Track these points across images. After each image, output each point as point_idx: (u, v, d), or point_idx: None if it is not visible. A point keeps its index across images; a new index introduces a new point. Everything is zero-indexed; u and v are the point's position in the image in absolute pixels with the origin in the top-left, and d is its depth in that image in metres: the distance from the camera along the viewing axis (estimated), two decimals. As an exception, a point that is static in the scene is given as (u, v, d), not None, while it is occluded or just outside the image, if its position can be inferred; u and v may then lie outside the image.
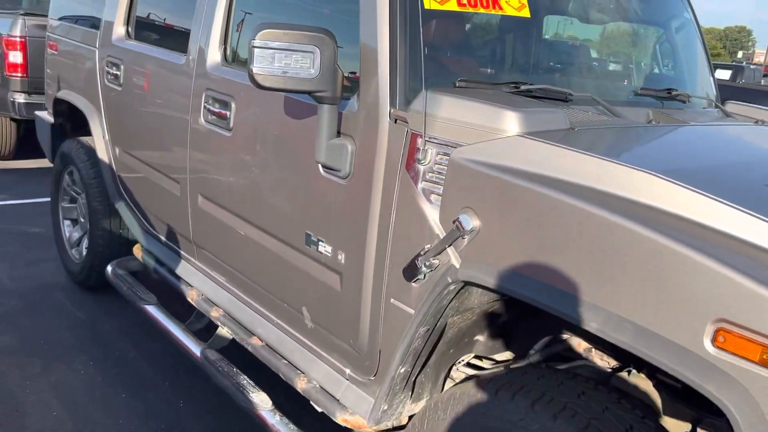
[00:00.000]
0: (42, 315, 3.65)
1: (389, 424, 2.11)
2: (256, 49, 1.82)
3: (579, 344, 2.11)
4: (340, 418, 2.14)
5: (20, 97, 6.28)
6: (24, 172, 6.62)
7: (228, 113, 2.49)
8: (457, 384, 1.96)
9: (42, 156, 6.69)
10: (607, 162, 1.53)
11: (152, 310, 3.06)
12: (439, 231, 1.76)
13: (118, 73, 3.32)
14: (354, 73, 2.04)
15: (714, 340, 1.25)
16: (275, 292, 2.44)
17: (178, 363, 3.26)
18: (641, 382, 1.92)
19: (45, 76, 4.31)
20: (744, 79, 17.72)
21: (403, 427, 2.10)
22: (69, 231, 4.11)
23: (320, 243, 2.14)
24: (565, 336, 2.13)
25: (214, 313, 2.77)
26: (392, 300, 1.93)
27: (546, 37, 2.54)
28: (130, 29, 3.38)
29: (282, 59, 1.83)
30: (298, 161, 2.20)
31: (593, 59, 2.71)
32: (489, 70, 2.34)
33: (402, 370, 1.92)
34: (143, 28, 3.36)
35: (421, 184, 1.82)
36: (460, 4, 2.02)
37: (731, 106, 2.73)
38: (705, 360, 1.26)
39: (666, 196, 1.42)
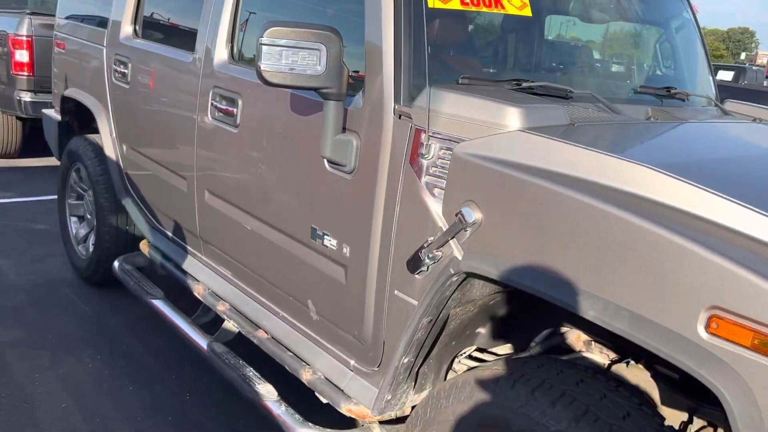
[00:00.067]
0: (49, 309, 3.71)
1: (393, 414, 2.16)
2: (264, 47, 1.86)
3: (579, 337, 2.15)
4: (345, 408, 2.19)
5: (26, 96, 6.33)
6: (29, 171, 6.68)
7: (235, 110, 2.54)
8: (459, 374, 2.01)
9: (47, 154, 6.79)
10: (605, 156, 1.58)
11: (159, 304, 3.11)
12: (442, 224, 1.81)
13: (126, 71, 3.37)
14: (357, 72, 2.08)
15: (707, 327, 1.30)
16: (281, 286, 2.48)
17: (183, 357, 3.31)
18: (639, 372, 1.97)
19: (52, 75, 4.36)
20: (746, 80, 17.75)
21: (406, 417, 2.14)
22: (75, 227, 4.17)
23: (325, 236, 2.19)
24: (564, 329, 2.17)
25: (221, 307, 2.82)
26: (396, 292, 1.97)
27: (547, 36, 2.59)
28: (137, 28, 3.43)
29: (289, 56, 1.88)
30: (304, 156, 2.24)
31: (594, 58, 2.76)
32: (491, 68, 2.39)
33: (405, 361, 1.96)
34: (150, 27, 3.41)
35: (424, 178, 1.87)
36: (463, 3, 2.07)
37: (730, 105, 2.77)
38: (698, 346, 1.31)
39: (662, 188, 1.47)
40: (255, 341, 2.61)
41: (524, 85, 2.03)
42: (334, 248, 2.16)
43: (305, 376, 2.34)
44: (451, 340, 2.08)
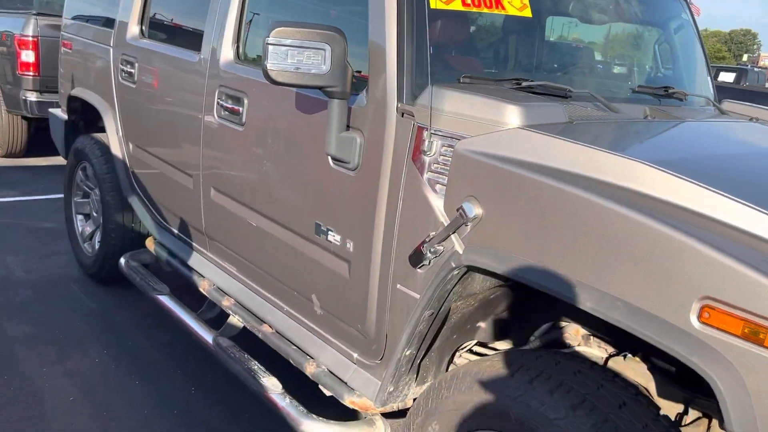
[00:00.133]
0: (56, 306, 3.76)
1: (395, 406, 2.21)
2: (270, 46, 1.91)
3: (577, 331, 2.20)
4: (348, 401, 2.24)
5: (32, 96, 6.40)
6: (35, 170, 6.74)
7: (240, 109, 2.59)
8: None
9: (52, 153, 6.87)
10: (602, 152, 1.63)
11: (165, 300, 3.16)
12: (444, 219, 1.86)
13: (133, 71, 3.43)
14: (359, 72, 2.13)
15: (700, 317, 1.35)
16: (285, 281, 2.53)
17: (188, 352, 3.36)
18: (636, 365, 2.02)
19: (59, 75, 4.41)
20: (748, 81, 17.80)
21: (408, 410, 2.19)
22: (82, 225, 4.22)
23: (329, 232, 2.23)
24: (563, 323, 2.22)
25: (226, 303, 2.87)
26: (398, 285, 2.02)
27: (547, 36, 2.64)
28: (144, 28, 3.49)
29: (295, 56, 1.93)
30: (308, 154, 2.29)
31: (593, 58, 2.81)
32: (492, 68, 2.43)
33: (407, 353, 2.01)
34: (157, 28, 3.46)
35: (426, 175, 1.91)
36: (464, 3, 2.12)
37: (727, 105, 2.81)
38: (691, 335, 1.35)
39: (656, 184, 1.52)
40: (260, 336, 2.66)
41: (524, 84, 2.08)
42: (338, 243, 2.21)
43: (309, 369, 2.39)
44: (452, 333, 2.12)
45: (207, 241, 3.05)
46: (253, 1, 2.72)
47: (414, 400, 2.16)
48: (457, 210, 1.79)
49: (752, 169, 1.83)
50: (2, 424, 2.69)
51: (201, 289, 3.05)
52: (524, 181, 1.67)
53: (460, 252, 1.80)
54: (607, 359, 2.08)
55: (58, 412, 2.81)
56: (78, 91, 4.06)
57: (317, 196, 2.29)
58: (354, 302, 2.19)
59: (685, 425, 1.88)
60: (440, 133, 1.89)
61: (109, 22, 3.73)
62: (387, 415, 2.32)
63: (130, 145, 3.59)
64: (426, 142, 1.90)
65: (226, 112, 2.68)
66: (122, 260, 3.61)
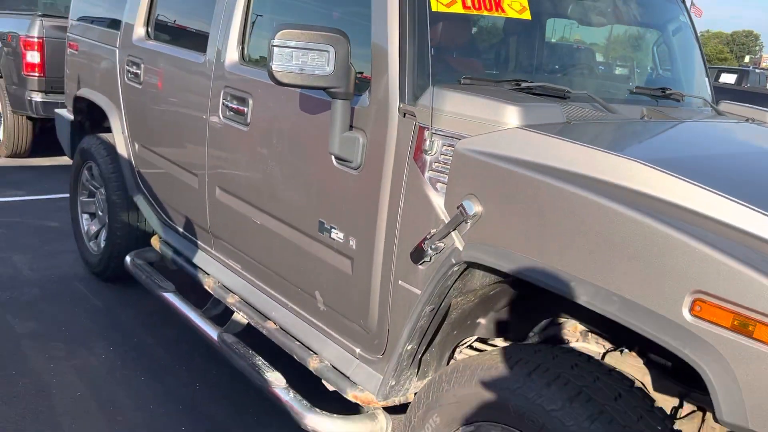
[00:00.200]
0: (62, 303, 3.81)
1: (397, 400, 2.25)
2: (275, 48, 1.96)
3: (575, 327, 2.25)
4: (351, 395, 2.28)
5: (37, 96, 6.46)
6: (40, 169, 6.80)
7: (245, 109, 2.64)
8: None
9: (56, 154, 6.93)
10: (598, 152, 1.67)
11: (170, 297, 3.21)
12: (445, 216, 1.91)
13: (139, 71, 3.48)
14: (361, 73, 2.18)
15: (691, 310, 1.39)
16: (289, 278, 2.58)
17: (193, 349, 3.41)
18: (633, 360, 2.06)
19: (65, 76, 4.47)
20: (749, 83, 17.82)
21: (409, 404, 2.24)
22: (87, 224, 4.27)
23: (333, 230, 2.28)
24: (562, 320, 2.27)
25: (230, 300, 2.92)
26: (400, 282, 2.07)
27: (546, 38, 2.68)
28: (150, 30, 3.54)
29: (299, 57, 1.98)
30: (312, 153, 2.34)
31: (592, 60, 2.85)
32: (492, 69, 2.48)
33: (409, 347, 2.06)
34: (162, 30, 3.52)
35: (427, 173, 1.96)
36: (465, 6, 2.17)
37: (725, 106, 2.86)
38: (683, 328, 1.40)
39: (651, 181, 1.56)
40: (264, 332, 2.71)
41: (523, 85, 2.13)
42: (341, 241, 2.26)
43: (313, 364, 2.44)
44: (452, 329, 2.17)
45: (212, 240, 3.10)
46: (258, 4, 2.78)
47: (415, 394, 2.21)
48: (458, 208, 1.84)
49: (746, 168, 1.88)
50: (12, 418, 2.74)
51: (206, 287, 3.10)
52: (523, 179, 1.72)
53: (461, 249, 1.85)
54: (604, 354, 2.12)
55: (65, 407, 2.86)
56: (84, 92, 4.12)
57: (321, 195, 2.33)
58: (357, 298, 2.24)
59: (680, 418, 1.93)
60: (441, 133, 1.94)
61: (115, 24, 3.78)
62: (389, 410, 2.36)
63: (136, 145, 3.64)
64: (427, 142, 1.95)
65: (231, 113, 2.73)
66: (128, 258, 3.66)
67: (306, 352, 2.49)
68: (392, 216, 2.06)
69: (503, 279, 2.00)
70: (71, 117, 4.40)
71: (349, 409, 2.40)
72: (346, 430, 2.30)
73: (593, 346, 2.19)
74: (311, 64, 1.98)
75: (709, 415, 1.91)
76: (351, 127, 2.14)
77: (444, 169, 1.92)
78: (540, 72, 2.59)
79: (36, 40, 6.35)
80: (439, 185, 1.94)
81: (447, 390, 1.90)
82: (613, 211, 1.53)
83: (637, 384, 1.83)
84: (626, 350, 2.08)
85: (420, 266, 1.98)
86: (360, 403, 2.29)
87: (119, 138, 3.74)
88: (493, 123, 1.85)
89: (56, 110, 4.76)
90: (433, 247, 1.91)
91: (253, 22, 2.81)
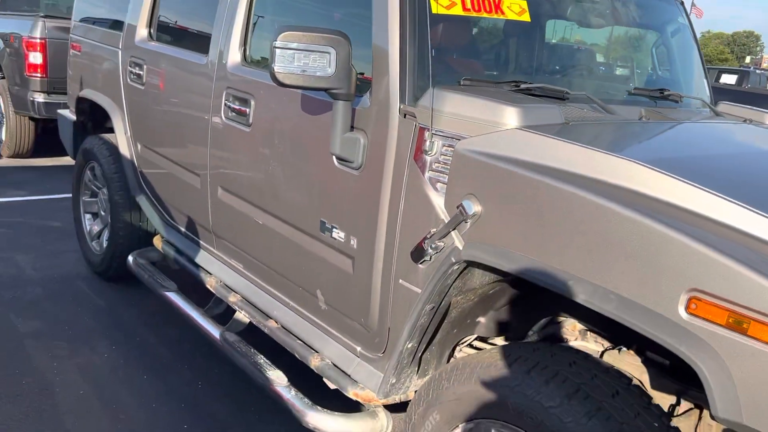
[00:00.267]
0: (65, 303, 3.84)
1: (397, 398, 2.28)
2: (277, 50, 1.99)
3: (574, 326, 2.27)
4: (352, 393, 2.31)
5: (39, 97, 6.49)
6: (42, 170, 6.83)
7: (247, 110, 2.66)
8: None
9: (58, 154, 6.97)
10: (596, 152, 1.70)
11: (173, 296, 3.24)
12: (444, 216, 1.93)
13: (141, 72, 3.50)
14: (362, 74, 2.20)
15: (687, 308, 1.42)
16: (291, 277, 2.61)
17: (195, 348, 3.43)
18: (631, 358, 2.08)
19: (68, 76, 4.49)
20: (750, 83, 17.83)
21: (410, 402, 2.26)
22: (90, 224, 4.30)
23: (334, 229, 2.31)
24: (561, 318, 2.29)
25: (232, 299, 2.94)
26: (401, 281, 2.09)
27: (546, 40, 2.71)
28: (152, 31, 3.57)
29: (301, 59, 2.00)
30: (313, 154, 2.37)
31: (591, 61, 2.87)
32: (492, 70, 2.51)
33: (409, 346, 2.08)
34: (165, 31, 3.54)
35: (427, 174, 1.99)
36: (465, 9, 2.19)
37: (723, 107, 2.88)
38: (679, 325, 1.42)
39: (647, 181, 1.59)
40: (266, 331, 2.73)
41: (522, 86, 2.15)
42: (342, 240, 2.28)
43: (314, 362, 2.46)
44: (452, 328, 2.19)
45: (214, 239, 3.12)
46: (260, 5, 2.80)
47: (415, 392, 2.23)
48: (457, 207, 1.86)
49: (742, 168, 1.90)
50: (16, 417, 2.76)
51: (208, 286, 3.13)
52: (521, 179, 1.74)
53: (460, 248, 1.87)
54: (603, 353, 2.14)
55: (68, 406, 2.88)
56: (87, 93, 4.14)
57: (322, 195, 2.36)
58: (357, 297, 2.26)
59: (678, 416, 1.95)
60: (441, 134, 1.96)
61: (117, 25, 3.81)
62: (390, 408, 2.39)
63: (138, 146, 3.66)
64: (427, 142, 1.98)
65: (234, 113, 2.75)
66: (130, 258, 3.69)
67: (307, 351, 2.52)
68: (393, 216, 2.08)
69: (502, 278, 2.02)
70: (74, 117, 4.43)
71: (350, 407, 2.42)
72: (347, 427, 2.32)
73: (592, 344, 2.21)
74: (313, 65, 2.01)
75: (705, 412, 1.93)
76: (352, 127, 2.16)
77: (444, 169, 1.94)
78: (539, 73, 2.62)
79: (38, 41, 6.38)
80: (439, 185, 1.96)
81: (447, 388, 1.92)
82: (610, 210, 1.55)
83: (635, 382, 1.85)
84: (624, 349, 2.11)
85: (420, 265, 2.01)
86: (361, 401, 2.31)
87: (122, 138, 3.77)
88: (492, 124, 1.87)
89: (59, 111, 4.79)
90: (433, 246, 1.94)
91: (255, 23, 2.83)
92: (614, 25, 2.98)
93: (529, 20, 2.36)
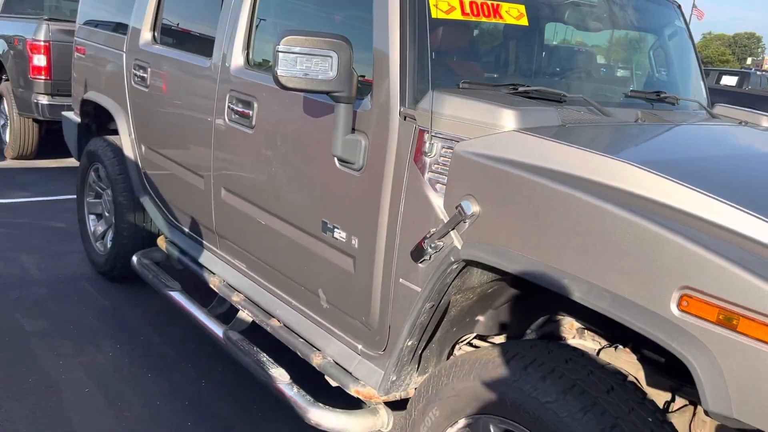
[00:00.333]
0: (70, 302, 3.89)
1: (398, 395, 2.32)
2: (280, 54, 2.03)
3: (572, 325, 2.31)
4: (353, 390, 2.35)
5: (43, 99, 6.54)
6: (46, 171, 6.88)
7: (251, 112, 2.71)
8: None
9: (61, 156, 7.02)
10: (591, 153, 1.74)
11: (176, 295, 3.28)
12: (444, 216, 1.97)
13: (145, 75, 3.55)
14: (363, 77, 2.25)
15: (679, 305, 1.45)
16: (293, 276, 2.65)
17: (199, 348, 3.48)
18: (627, 356, 2.12)
19: (72, 79, 4.54)
20: (750, 85, 17.86)
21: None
22: (94, 225, 4.35)
23: (335, 229, 2.35)
24: (559, 317, 2.33)
25: (235, 298, 2.99)
26: (401, 280, 2.13)
27: (544, 43, 2.75)
28: (156, 35, 3.61)
29: (303, 62, 2.05)
30: (315, 155, 2.41)
31: (588, 64, 2.92)
32: (490, 73, 2.55)
33: (409, 343, 2.12)
34: (169, 34, 3.59)
35: (427, 175, 2.03)
36: (464, 13, 2.24)
37: (719, 109, 2.92)
38: (671, 322, 1.46)
39: (641, 182, 1.63)
40: (268, 329, 2.78)
41: (520, 89, 2.19)
42: (344, 240, 2.32)
43: (316, 360, 2.50)
44: (452, 326, 2.24)
45: (217, 240, 3.17)
46: (263, 9, 2.85)
47: (416, 389, 2.27)
48: (456, 208, 1.90)
49: (735, 169, 1.94)
50: (23, 414, 2.81)
51: (211, 286, 3.17)
52: (519, 180, 1.78)
53: (459, 247, 1.91)
54: (599, 351, 2.18)
55: (74, 403, 2.93)
56: (91, 95, 4.19)
57: (324, 196, 2.40)
58: (359, 296, 2.30)
59: (673, 412, 1.99)
60: (440, 136, 2.00)
61: (121, 28, 3.86)
62: (391, 406, 2.43)
63: (143, 147, 3.71)
64: (427, 144, 2.02)
65: (237, 116, 2.80)
66: (134, 258, 3.73)
67: (309, 349, 2.56)
68: (393, 216, 2.12)
69: (501, 277, 2.06)
70: (78, 119, 4.47)
71: (351, 404, 2.46)
72: (349, 424, 2.36)
73: (589, 342, 2.25)
74: (315, 69, 2.05)
75: (700, 408, 1.97)
76: (353, 129, 2.20)
77: (443, 170, 1.99)
78: (537, 76, 2.66)
79: (42, 43, 6.43)
80: (438, 186, 2.00)
81: (446, 384, 1.96)
82: (605, 211, 1.59)
83: (630, 379, 1.89)
84: (620, 347, 2.15)
85: (420, 264, 2.05)
86: (362, 398, 2.36)
87: (126, 140, 3.82)
88: (490, 126, 1.92)
89: (63, 113, 4.84)
90: (432, 245, 1.98)
91: (257, 26, 2.88)
92: (612, 29, 3.03)
93: (527, 24, 2.40)
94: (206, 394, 3.12)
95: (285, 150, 2.56)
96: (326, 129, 2.28)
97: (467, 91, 2.13)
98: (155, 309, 3.87)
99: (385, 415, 2.40)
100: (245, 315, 2.96)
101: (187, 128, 3.22)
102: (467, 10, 2.25)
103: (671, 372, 1.99)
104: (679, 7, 3.19)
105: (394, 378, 2.22)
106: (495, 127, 1.91)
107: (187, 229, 3.46)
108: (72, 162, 6.49)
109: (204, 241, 3.31)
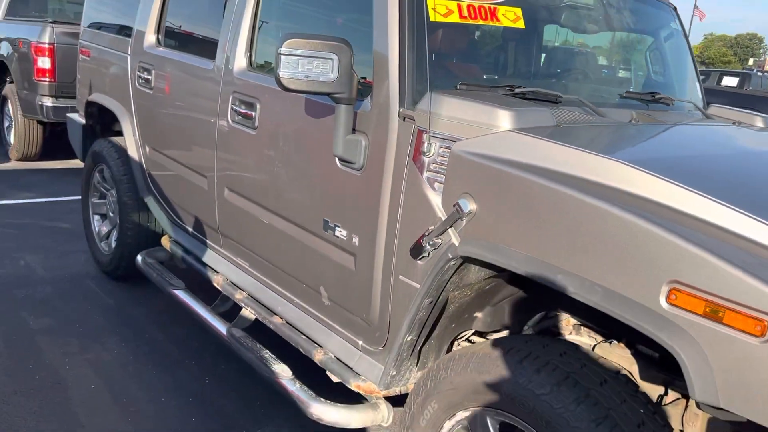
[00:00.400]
0: (75, 301, 3.94)
1: (398, 390, 2.37)
2: (282, 56, 2.08)
3: (568, 321, 2.36)
4: (354, 385, 2.40)
5: (48, 101, 6.61)
6: (50, 172, 6.94)
7: (253, 113, 2.76)
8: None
9: (65, 157, 7.09)
10: (584, 153, 1.79)
11: (181, 294, 3.33)
12: (442, 214, 2.03)
13: (149, 77, 3.61)
14: (364, 78, 2.30)
15: (668, 298, 1.51)
16: (295, 274, 2.70)
17: (203, 346, 3.53)
18: (621, 350, 2.17)
19: (77, 81, 4.60)
20: (751, 86, 17.89)
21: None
22: (98, 225, 4.41)
23: (336, 228, 2.40)
24: (555, 313, 2.38)
25: (239, 296, 3.04)
26: (401, 276, 2.19)
27: (540, 45, 2.80)
28: (160, 37, 3.67)
29: (305, 65, 2.10)
30: (317, 155, 2.47)
31: (584, 65, 2.97)
32: (488, 75, 2.60)
33: (409, 339, 2.18)
34: (173, 37, 3.65)
35: (426, 174, 2.08)
36: (461, 16, 2.29)
37: (714, 110, 2.97)
38: (660, 315, 1.51)
39: (633, 180, 1.68)
40: (271, 326, 2.83)
41: (517, 90, 2.24)
42: (345, 238, 2.38)
43: (317, 356, 2.56)
44: (450, 322, 2.29)
45: (220, 239, 3.22)
46: (266, 12, 2.90)
47: (415, 383, 2.32)
48: (454, 206, 1.95)
49: (725, 168, 1.99)
50: (31, 409, 2.86)
51: (215, 284, 3.23)
52: (514, 179, 1.83)
53: (456, 244, 1.97)
54: (595, 346, 2.23)
55: (81, 399, 2.98)
56: (96, 97, 4.25)
57: (325, 195, 2.46)
58: (359, 292, 2.36)
59: (665, 405, 2.04)
60: (438, 136, 2.06)
61: (126, 31, 3.91)
62: (391, 401, 2.48)
63: (147, 148, 3.77)
64: (425, 144, 2.07)
65: (240, 117, 2.85)
66: (139, 258, 3.79)
67: (311, 345, 2.61)
68: (393, 214, 2.18)
69: (498, 274, 2.12)
70: (83, 121, 4.53)
71: (352, 399, 2.51)
72: (350, 418, 2.42)
73: (585, 338, 2.29)
74: (316, 71, 2.11)
75: (692, 402, 2.02)
76: (354, 130, 2.25)
77: (441, 169, 2.04)
78: (534, 77, 2.71)
79: (47, 46, 6.49)
80: (436, 185, 2.05)
81: (444, 378, 2.02)
82: (597, 208, 1.64)
83: (624, 372, 1.94)
84: (615, 341, 2.20)
85: (419, 261, 2.10)
86: (363, 393, 2.41)
87: (130, 141, 3.87)
88: (486, 126, 1.97)
89: (68, 114, 4.89)
90: (431, 243, 2.03)
91: (260, 28, 2.93)
92: (608, 31, 3.08)
93: (524, 27, 2.46)
94: (210, 390, 3.17)
95: (287, 150, 2.61)
96: (327, 129, 2.33)
97: (464, 92, 2.19)
98: (159, 307, 3.93)
99: (385, 410, 2.45)
100: (248, 312, 3.01)
101: (190, 129, 3.28)
102: (465, 13, 2.30)
103: (664, 366, 2.04)
104: (675, 9, 3.24)
105: (394, 373, 2.27)
106: (491, 127, 1.96)
107: (190, 229, 3.52)
108: (76, 163, 6.56)
109: (207, 240, 3.37)
